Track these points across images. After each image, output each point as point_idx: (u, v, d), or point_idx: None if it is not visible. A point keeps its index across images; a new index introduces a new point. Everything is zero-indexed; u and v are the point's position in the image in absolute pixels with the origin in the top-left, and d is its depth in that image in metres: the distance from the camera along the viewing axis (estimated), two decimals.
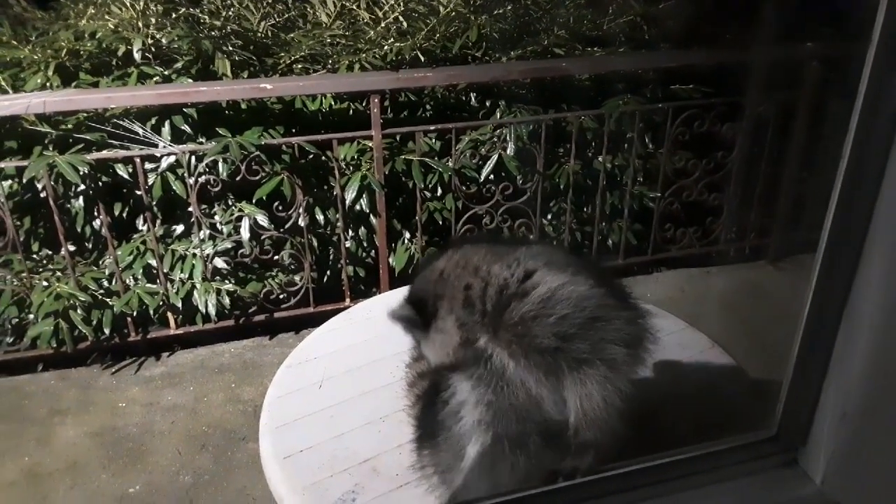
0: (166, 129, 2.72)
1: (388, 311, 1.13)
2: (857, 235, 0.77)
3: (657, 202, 3.19)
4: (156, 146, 2.67)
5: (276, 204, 2.75)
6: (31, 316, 2.63)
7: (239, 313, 2.89)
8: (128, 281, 2.74)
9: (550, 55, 3.22)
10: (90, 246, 2.84)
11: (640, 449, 0.93)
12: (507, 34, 3.26)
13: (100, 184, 2.66)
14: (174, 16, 3.03)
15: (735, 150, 3.15)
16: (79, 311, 2.61)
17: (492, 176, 2.96)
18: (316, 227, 2.92)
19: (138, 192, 2.67)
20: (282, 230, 2.81)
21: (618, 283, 1.16)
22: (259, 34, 3.18)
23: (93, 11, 3.05)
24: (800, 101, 3.15)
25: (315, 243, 2.92)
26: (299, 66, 3.05)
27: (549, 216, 3.18)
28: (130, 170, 2.66)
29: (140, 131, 2.67)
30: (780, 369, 0.89)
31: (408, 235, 3.05)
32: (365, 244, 3.00)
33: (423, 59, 3.04)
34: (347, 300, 2.96)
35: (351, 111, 3.08)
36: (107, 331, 2.67)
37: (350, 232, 2.95)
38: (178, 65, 2.86)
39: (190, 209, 2.71)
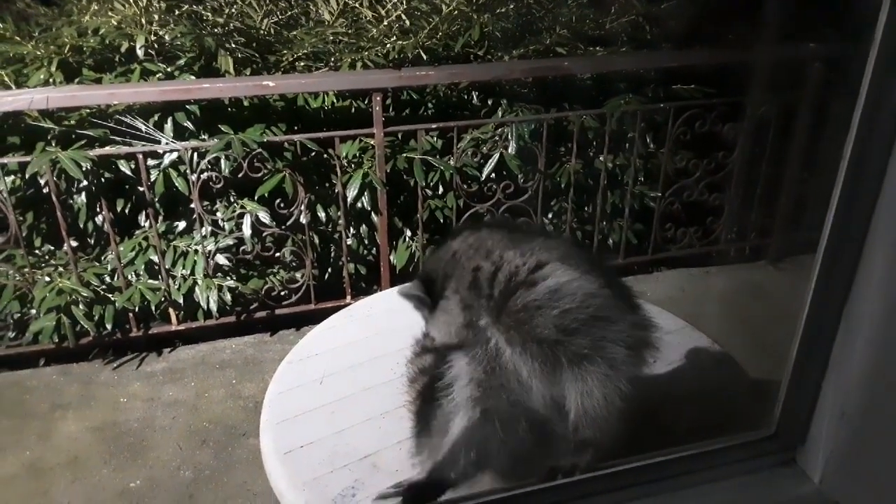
0: (169, 125, 2.73)
1: (398, 289, 1.14)
2: (857, 236, 0.78)
3: (658, 202, 3.19)
4: (158, 142, 2.67)
5: (277, 201, 2.75)
6: (34, 311, 2.64)
7: (240, 310, 2.90)
8: (130, 277, 2.75)
9: (552, 54, 3.22)
10: (92, 242, 2.85)
11: (639, 448, 0.93)
12: (509, 33, 3.25)
13: (102, 180, 2.67)
14: (177, 13, 3.04)
15: (736, 151, 3.15)
16: (81, 306, 2.62)
17: (493, 174, 2.97)
18: (317, 224, 2.93)
19: (140, 189, 2.68)
20: (283, 227, 2.81)
21: (628, 289, 1.16)
22: (262, 31, 3.18)
23: (96, 7, 3.06)
24: (801, 101, 3.15)
25: (316, 240, 2.93)
26: (302, 63, 3.06)
27: (550, 215, 3.18)
28: (133, 166, 2.66)
29: (143, 128, 2.67)
30: (780, 369, 0.89)
31: (409, 233, 3.05)
32: (366, 242, 3.00)
33: (425, 57, 3.03)
34: (348, 297, 2.96)
35: (353, 109, 3.09)
36: (108, 326, 2.68)
37: (351, 229, 2.96)
38: (181, 62, 2.86)
39: (192, 206, 2.71)
